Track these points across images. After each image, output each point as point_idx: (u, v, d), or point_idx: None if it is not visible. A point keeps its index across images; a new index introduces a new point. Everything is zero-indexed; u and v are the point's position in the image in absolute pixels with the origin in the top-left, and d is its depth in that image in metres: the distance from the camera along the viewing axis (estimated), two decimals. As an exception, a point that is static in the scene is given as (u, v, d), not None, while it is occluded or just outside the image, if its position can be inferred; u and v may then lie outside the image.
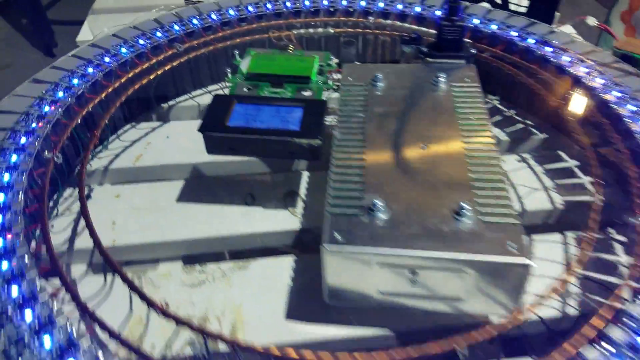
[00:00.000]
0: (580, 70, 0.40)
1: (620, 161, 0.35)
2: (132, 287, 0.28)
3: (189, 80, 0.50)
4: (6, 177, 0.30)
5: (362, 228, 0.28)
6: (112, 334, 0.25)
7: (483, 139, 0.33)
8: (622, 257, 0.34)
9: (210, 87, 0.52)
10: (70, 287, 0.28)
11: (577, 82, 0.39)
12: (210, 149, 0.35)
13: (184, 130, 0.47)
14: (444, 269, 0.27)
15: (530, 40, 0.43)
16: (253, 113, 0.35)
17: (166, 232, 0.37)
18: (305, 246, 0.37)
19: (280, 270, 0.35)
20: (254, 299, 0.33)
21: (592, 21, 0.63)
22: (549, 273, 0.33)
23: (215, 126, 0.34)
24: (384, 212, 0.28)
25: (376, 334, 0.30)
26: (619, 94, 0.38)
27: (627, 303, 0.26)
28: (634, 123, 0.36)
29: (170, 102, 0.50)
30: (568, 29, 0.64)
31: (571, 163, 0.43)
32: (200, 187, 0.41)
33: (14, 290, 0.24)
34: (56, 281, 0.29)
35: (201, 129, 0.34)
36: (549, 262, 0.34)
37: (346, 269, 0.28)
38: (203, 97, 0.51)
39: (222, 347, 0.27)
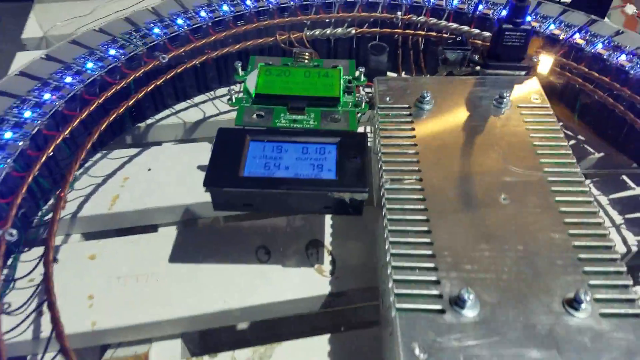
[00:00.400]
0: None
1: None
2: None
3: (170, 91, 0.40)
4: None
5: (448, 333, 0.20)
6: None
7: (574, 185, 0.26)
8: None
9: (197, 99, 0.42)
10: None
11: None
12: (219, 206, 0.26)
13: (168, 158, 0.38)
14: (561, 385, 0.20)
15: (598, 46, 0.35)
16: (274, 155, 0.27)
17: (160, 305, 0.29)
18: (340, 318, 0.30)
19: (312, 355, 0.27)
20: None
21: (631, 9, 0.57)
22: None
23: (225, 178, 0.25)
24: (474, 306, 0.21)
25: None
26: None
27: None
28: None
29: (149, 120, 0.40)
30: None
31: (639, 190, 0.37)
32: (196, 238, 0.33)
33: None
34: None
35: (207, 183, 0.25)
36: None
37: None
38: (188, 112, 0.41)
39: None
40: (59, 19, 0.52)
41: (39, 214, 0.31)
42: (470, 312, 0.21)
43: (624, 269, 0.23)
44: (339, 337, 0.28)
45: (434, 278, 0.22)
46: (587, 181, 0.37)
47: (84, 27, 0.50)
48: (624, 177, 0.38)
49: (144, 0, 0.53)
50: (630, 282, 0.22)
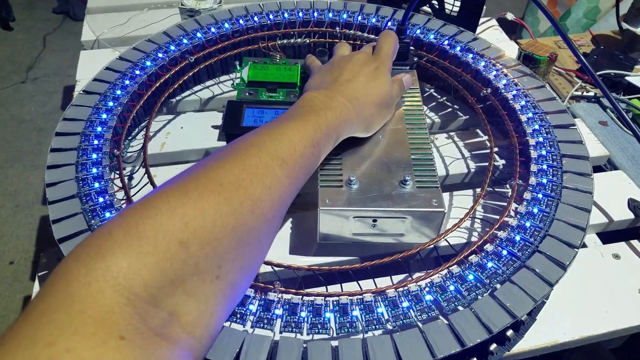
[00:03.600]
0: (491, 74, 0.56)
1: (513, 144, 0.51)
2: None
3: (190, 78, 0.62)
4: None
5: (342, 195, 0.43)
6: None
7: (420, 130, 0.49)
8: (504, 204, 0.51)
9: (208, 83, 0.64)
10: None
11: (488, 83, 0.55)
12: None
13: (192, 121, 0.60)
14: (393, 217, 0.43)
15: (457, 49, 0.58)
16: (259, 115, 0.49)
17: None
18: (297, 207, 0.53)
19: (284, 223, 0.50)
20: (268, 245, 0.48)
21: (510, 16, 0.80)
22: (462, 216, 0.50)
23: (233, 126, 0.48)
24: (356, 183, 0.44)
25: (348, 259, 0.47)
26: (515, 92, 0.54)
27: (500, 232, 0.43)
28: (523, 115, 0.52)
29: (177, 97, 0.62)
30: (492, 22, 0.80)
31: (483, 138, 0.60)
32: (215, 167, 0.55)
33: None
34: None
35: (223, 129, 0.48)
36: (463, 209, 0.51)
37: (332, 220, 0.43)
38: (203, 92, 0.63)
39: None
40: (105, 26, 0.73)
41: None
42: (354, 186, 0.44)
43: (435, 167, 0.46)
44: (297, 215, 0.51)
45: (339, 172, 0.45)
46: (454, 133, 0.60)
47: (124, 32, 0.72)
48: (478, 131, 0.61)
49: (164, 13, 0.75)
50: (436, 175, 0.45)
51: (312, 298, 0.36)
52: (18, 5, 1.81)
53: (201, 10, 0.66)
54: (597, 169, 0.59)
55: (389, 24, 0.62)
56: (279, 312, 0.35)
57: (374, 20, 0.62)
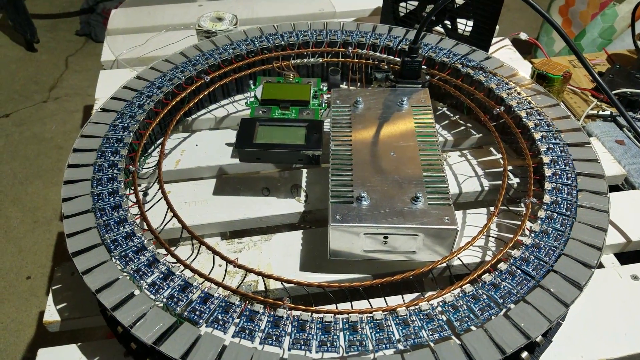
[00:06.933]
0: (504, 92, 0.55)
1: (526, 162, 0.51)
2: (214, 251, 0.43)
3: (206, 97, 0.63)
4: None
5: (353, 211, 0.43)
6: (202, 275, 0.40)
7: (432, 147, 0.49)
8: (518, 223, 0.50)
9: (223, 102, 0.65)
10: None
11: (501, 101, 0.55)
12: (243, 159, 0.49)
13: (206, 139, 0.61)
14: (405, 234, 0.43)
15: (470, 67, 0.58)
16: (271, 132, 0.50)
17: (209, 215, 0.51)
18: (308, 223, 0.53)
19: (294, 240, 0.50)
20: (278, 259, 0.48)
21: (524, 36, 0.80)
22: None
23: (246, 143, 0.48)
24: (367, 200, 0.44)
25: (359, 276, 0.46)
26: (529, 110, 0.54)
27: (514, 250, 0.42)
28: (537, 133, 0.52)
29: (193, 116, 0.63)
30: (506, 41, 0.80)
31: (497, 157, 0.59)
32: (227, 184, 0.55)
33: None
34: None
35: (236, 146, 0.48)
36: (477, 227, 0.51)
37: (343, 237, 0.43)
38: (218, 111, 0.64)
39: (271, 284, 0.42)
40: (124, 46, 0.75)
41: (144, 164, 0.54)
42: (365, 202, 0.44)
43: (447, 184, 0.45)
44: (307, 231, 0.50)
45: (349, 188, 0.45)
46: (467, 151, 0.60)
47: (142, 53, 0.74)
48: (492, 149, 0.61)
49: (181, 34, 0.77)
50: (449, 191, 0.45)
51: (321, 315, 0.36)
52: (42, 27, 1.87)
53: (217, 32, 0.67)
54: (615, 188, 0.58)
55: (401, 44, 0.62)
56: (287, 329, 0.35)
57: (386, 40, 0.63)
